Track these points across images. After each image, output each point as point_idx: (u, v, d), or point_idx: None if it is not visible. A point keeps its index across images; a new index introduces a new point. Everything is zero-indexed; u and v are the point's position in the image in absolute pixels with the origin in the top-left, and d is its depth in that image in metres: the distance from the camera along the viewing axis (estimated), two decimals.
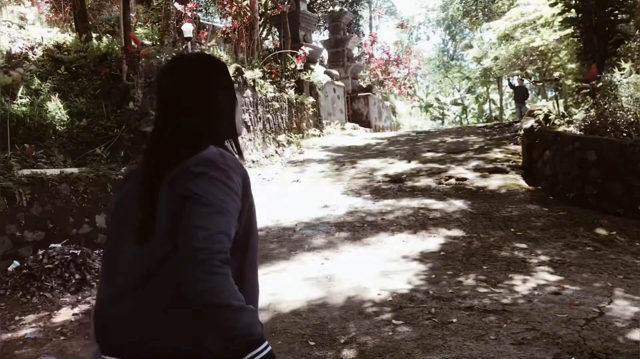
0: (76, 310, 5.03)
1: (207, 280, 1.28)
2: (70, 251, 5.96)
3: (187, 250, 1.30)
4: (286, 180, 10.21)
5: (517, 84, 20.07)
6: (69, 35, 10.70)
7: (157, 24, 14.30)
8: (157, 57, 9.74)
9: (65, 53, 9.61)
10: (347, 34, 21.34)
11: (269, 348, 1.34)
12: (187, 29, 11.76)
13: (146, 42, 10.43)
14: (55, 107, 8.22)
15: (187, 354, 1.35)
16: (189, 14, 13.44)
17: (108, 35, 11.55)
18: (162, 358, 1.34)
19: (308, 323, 4.36)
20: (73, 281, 5.61)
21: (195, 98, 1.55)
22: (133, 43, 9.32)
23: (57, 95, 8.49)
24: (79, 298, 5.37)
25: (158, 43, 11.90)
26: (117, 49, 9.77)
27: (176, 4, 13.20)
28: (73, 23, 11.11)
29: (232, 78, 1.68)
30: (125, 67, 9.16)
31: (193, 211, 1.34)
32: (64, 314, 4.93)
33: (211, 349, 1.34)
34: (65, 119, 8.23)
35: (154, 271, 1.37)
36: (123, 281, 1.40)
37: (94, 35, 10.74)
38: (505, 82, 32.08)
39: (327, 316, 4.49)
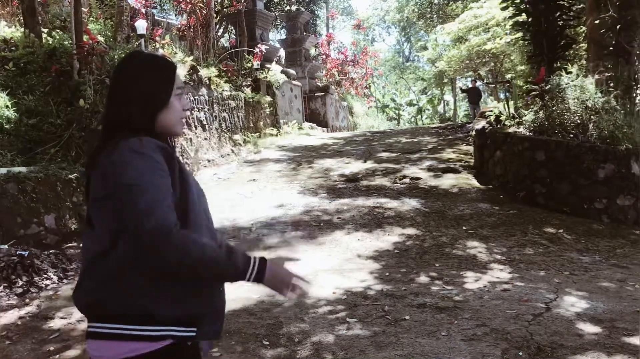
0: (22, 313, 4.88)
1: (176, 251, 1.41)
2: (17, 252, 5.77)
3: (144, 236, 1.40)
4: (242, 180, 10.15)
5: (470, 85, 20.48)
6: (17, 30, 10.37)
7: (110, 20, 14.01)
8: (110, 53, 9.53)
9: (13, 48, 9.30)
10: (304, 33, 21.37)
11: (256, 262, 1.59)
12: (141, 25, 11.55)
13: (99, 38, 10.18)
14: (3, 104, 7.95)
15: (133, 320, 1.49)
16: (143, 10, 13.21)
17: (58, 30, 11.24)
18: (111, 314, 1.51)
19: (262, 322, 4.36)
20: (20, 283, 5.44)
21: (122, 91, 1.63)
22: (87, 39, 9.10)
23: (4, 92, 8.21)
24: (27, 300, 5.21)
25: (111, 39, 11.64)
26: (67, 44, 9.52)
27: (130, 0, 12.96)
28: (21, 17, 10.76)
29: (174, 77, 1.68)
30: (77, 63, 8.93)
31: (130, 199, 1.42)
32: (10, 318, 4.78)
33: (158, 317, 1.49)
34: (13, 117, 7.97)
35: (104, 252, 1.50)
36: (85, 257, 1.60)
37: (44, 30, 10.43)
38: (458, 84, 32.72)
39: (281, 316, 4.49)
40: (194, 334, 1.55)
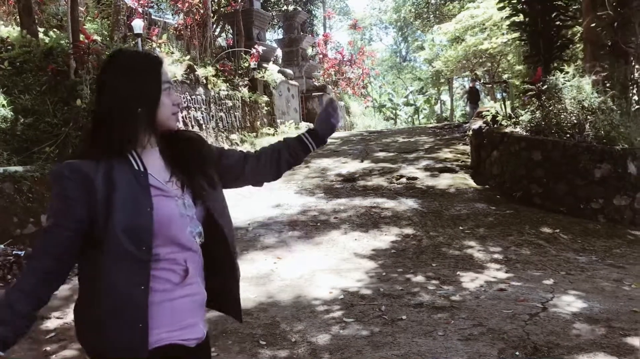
0: None
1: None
2: (14, 252, 5.76)
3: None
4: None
5: (470, 85, 20.50)
6: (13, 29, 10.33)
7: (106, 19, 13.97)
8: (107, 53, 9.51)
9: (9, 48, 9.27)
10: (301, 33, 21.33)
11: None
12: (138, 25, 11.52)
13: (96, 37, 10.15)
14: None
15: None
16: (140, 9, 13.19)
17: (55, 30, 11.20)
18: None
19: (259, 322, 4.36)
20: None
21: (109, 94, 1.64)
22: (84, 38, 9.07)
23: (0, 91, 8.18)
24: None
25: (108, 39, 11.61)
26: (64, 44, 9.49)
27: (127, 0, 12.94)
28: (17, 17, 10.72)
29: (161, 74, 1.68)
30: (73, 63, 8.90)
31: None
32: None
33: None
34: (9, 116, 7.94)
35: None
36: None
37: (40, 29, 10.40)
38: (455, 84, 32.75)
39: (278, 315, 4.49)
40: None
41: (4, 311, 1.50)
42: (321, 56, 24.15)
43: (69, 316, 4.62)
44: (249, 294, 4.95)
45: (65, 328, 4.44)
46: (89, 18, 12.91)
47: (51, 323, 4.59)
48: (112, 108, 1.60)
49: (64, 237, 1.55)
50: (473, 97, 19.92)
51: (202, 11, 14.48)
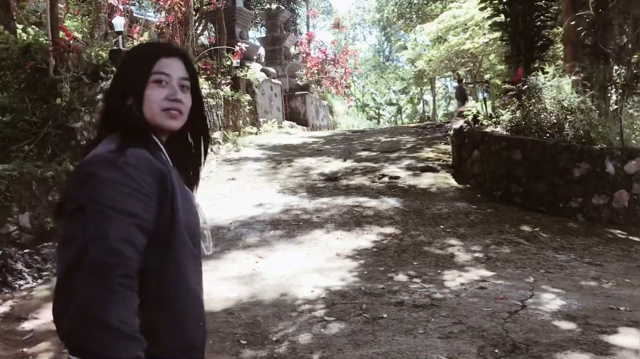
0: None
1: (97, 296, 1.24)
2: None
3: (88, 267, 1.26)
4: (221, 179, 10.10)
5: (458, 85, 20.64)
6: None
7: (87, 16, 13.83)
8: (87, 51, 9.40)
9: None
10: (284, 31, 21.30)
11: None
12: (119, 22, 11.41)
13: (76, 35, 10.05)
14: None
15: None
16: (121, 7, 13.06)
17: (34, 27, 11.06)
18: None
19: (240, 321, 4.34)
20: None
21: (109, 87, 1.59)
22: (64, 35, 8.96)
23: None
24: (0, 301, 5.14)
25: (88, 36, 11.49)
26: (43, 41, 9.37)
27: None
28: None
29: (150, 64, 1.53)
30: (53, 60, 8.79)
31: (86, 223, 1.30)
32: None
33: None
34: None
35: (67, 271, 1.34)
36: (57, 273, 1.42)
37: (18, 26, 10.26)
38: (438, 84, 32.90)
39: (259, 315, 4.49)
40: None
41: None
42: (304, 55, 24.13)
43: (47, 317, 4.57)
44: (230, 293, 4.93)
45: (43, 329, 4.39)
46: (69, 15, 12.77)
47: (28, 324, 4.53)
48: (106, 97, 1.58)
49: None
50: (460, 95, 20.07)
51: (184, 9, 14.38)
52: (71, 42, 8.93)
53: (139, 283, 1.34)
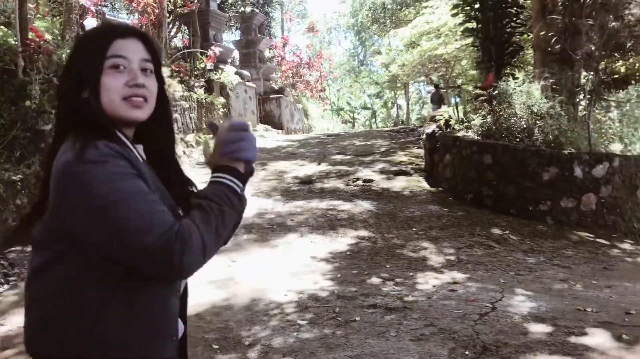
0: None
1: (185, 257, 1.20)
2: None
3: (143, 258, 1.20)
4: (194, 182, 10.02)
5: (434, 90, 20.85)
6: None
7: (58, 17, 13.60)
8: (58, 52, 9.25)
9: None
10: (259, 35, 21.26)
11: (233, 181, 1.39)
12: (91, 24, 11.28)
13: (47, 36, 9.87)
14: None
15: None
16: (93, 8, 12.88)
17: (2, 27, 10.84)
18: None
19: (212, 326, 4.32)
20: None
21: (59, 81, 1.44)
22: (33, 36, 8.79)
23: None
24: None
25: (59, 38, 11.31)
26: (12, 42, 9.19)
27: None
28: None
29: (103, 48, 1.34)
30: (21, 61, 8.63)
31: (107, 220, 1.19)
32: None
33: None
34: None
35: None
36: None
37: None
38: (412, 88, 33.14)
39: (231, 319, 4.47)
40: None
41: None
42: (279, 58, 24.12)
43: (14, 323, 4.48)
44: (202, 298, 4.90)
45: (11, 336, 4.30)
46: (39, 16, 12.53)
47: None
48: (59, 91, 1.40)
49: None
50: (438, 100, 20.27)
51: (157, 11, 14.26)
52: (41, 43, 8.78)
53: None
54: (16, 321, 4.44)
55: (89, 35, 1.42)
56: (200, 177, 10.35)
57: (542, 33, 9.73)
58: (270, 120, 19.14)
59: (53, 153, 1.30)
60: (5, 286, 5.53)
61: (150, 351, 1.32)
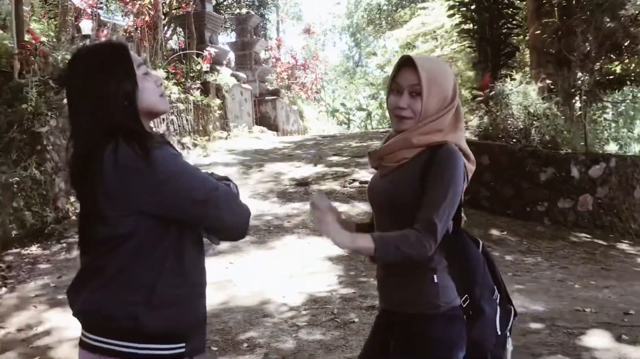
0: None
1: (231, 209, 1.62)
2: None
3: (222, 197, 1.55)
4: None
5: None
6: None
7: (53, 19, 13.57)
8: (54, 54, 9.23)
9: None
10: (255, 36, 21.24)
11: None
12: (86, 26, 11.26)
13: (42, 38, 9.84)
14: None
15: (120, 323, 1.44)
16: (89, 10, 12.86)
17: None
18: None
19: (211, 328, 4.30)
20: None
21: (86, 98, 1.49)
22: (29, 39, 8.77)
23: None
24: None
25: (55, 40, 11.28)
26: (8, 44, 9.17)
27: (75, 0, 12.59)
28: None
29: (130, 60, 1.53)
30: (18, 64, 8.60)
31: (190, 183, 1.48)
32: None
33: (146, 332, 1.44)
34: None
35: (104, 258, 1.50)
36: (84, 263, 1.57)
37: None
38: None
39: (230, 321, 4.45)
40: (183, 350, 1.51)
41: None
42: (274, 60, 24.11)
43: (12, 326, 4.45)
44: None
45: (10, 339, 4.28)
46: (35, 18, 12.50)
47: None
48: (93, 111, 1.47)
49: None
50: None
51: (152, 13, 14.24)
52: (37, 45, 8.75)
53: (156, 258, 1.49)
54: (15, 323, 4.42)
55: (107, 56, 1.54)
56: None
57: (538, 33, 9.77)
58: (266, 122, 19.11)
59: (89, 160, 1.44)
60: (4, 289, 5.50)
61: (195, 304, 1.64)
